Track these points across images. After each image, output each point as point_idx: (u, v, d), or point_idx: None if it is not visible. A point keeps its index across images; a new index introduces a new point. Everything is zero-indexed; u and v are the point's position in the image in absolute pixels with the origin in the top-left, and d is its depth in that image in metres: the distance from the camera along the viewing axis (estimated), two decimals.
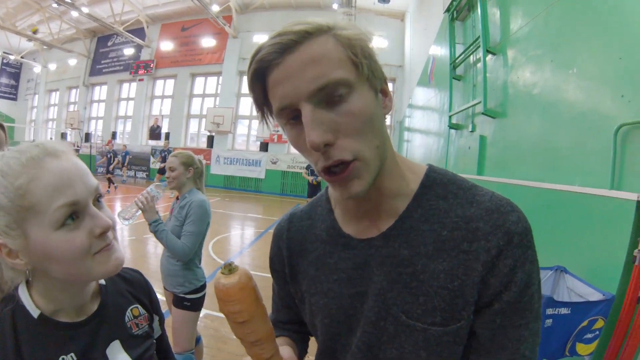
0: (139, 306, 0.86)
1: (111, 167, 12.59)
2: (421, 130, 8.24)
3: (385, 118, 0.61)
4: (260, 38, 14.48)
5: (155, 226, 2.15)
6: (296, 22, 0.54)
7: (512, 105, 3.20)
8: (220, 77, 16.18)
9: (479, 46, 3.87)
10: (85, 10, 14.36)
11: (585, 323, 1.60)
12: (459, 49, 4.92)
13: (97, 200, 0.69)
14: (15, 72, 22.60)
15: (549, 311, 1.55)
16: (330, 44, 0.53)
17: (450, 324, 0.59)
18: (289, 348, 0.70)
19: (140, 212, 2.15)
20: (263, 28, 14.91)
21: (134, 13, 16.63)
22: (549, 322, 1.56)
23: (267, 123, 0.62)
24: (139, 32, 17.28)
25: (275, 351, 0.63)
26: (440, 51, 6.32)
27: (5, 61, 21.34)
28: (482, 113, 3.63)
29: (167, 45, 17.17)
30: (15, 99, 22.83)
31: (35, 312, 0.67)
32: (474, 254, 0.58)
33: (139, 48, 17.92)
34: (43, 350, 0.66)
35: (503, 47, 3.46)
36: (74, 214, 0.64)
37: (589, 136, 2.05)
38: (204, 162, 2.47)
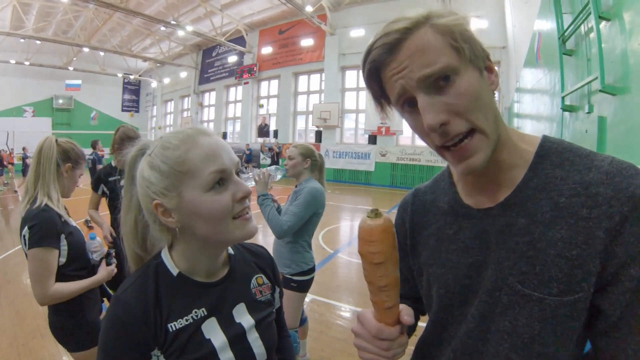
0: (263, 276, 0.93)
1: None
2: (532, 115, 7.25)
3: (493, 94, 0.62)
4: (357, 33, 15.33)
5: (262, 199, 2.28)
6: (395, 20, 0.59)
7: (636, 78, 2.71)
8: (323, 74, 16.39)
9: (590, 13, 3.22)
10: (189, 28, 15.67)
11: None
12: (567, 20, 4.14)
13: (236, 173, 0.77)
14: (135, 88, 26.50)
15: None
16: (429, 34, 0.57)
17: (568, 295, 0.56)
18: (406, 305, 0.70)
19: (253, 183, 2.31)
20: (358, 23, 14.92)
21: (233, 24, 17.93)
22: None
23: (386, 114, 0.68)
24: (239, 40, 18.56)
25: (396, 302, 0.65)
26: (546, 25, 5.45)
27: (126, 81, 24.99)
28: (600, 90, 3.11)
29: (267, 49, 18.08)
30: (137, 111, 26.84)
31: (174, 271, 0.78)
32: (594, 221, 0.55)
33: (241, 54, 19.26)
34: (179, 301, 0.76)
35: (618, 10, 2.98)
36: (221, 180, 0.73)
37: None
38: (324, 157, 2.59)
